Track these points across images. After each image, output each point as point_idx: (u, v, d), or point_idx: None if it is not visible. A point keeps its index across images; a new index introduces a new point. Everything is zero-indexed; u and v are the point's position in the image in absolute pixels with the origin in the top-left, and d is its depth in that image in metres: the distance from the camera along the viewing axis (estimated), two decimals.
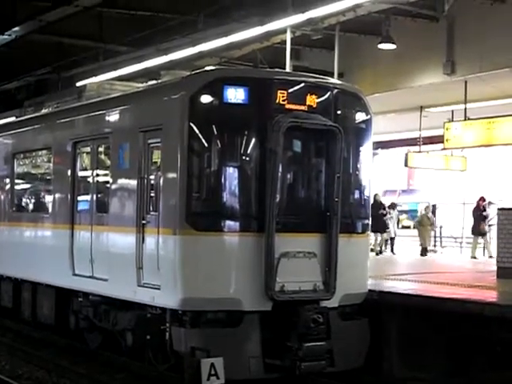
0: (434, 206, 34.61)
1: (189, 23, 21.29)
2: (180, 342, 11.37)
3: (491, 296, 13.49)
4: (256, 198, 11.61)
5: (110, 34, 23.30)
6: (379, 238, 27.54)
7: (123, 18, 22.52)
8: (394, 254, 28.31)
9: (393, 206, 29.89)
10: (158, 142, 12.14)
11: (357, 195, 12.91)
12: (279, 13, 18.59)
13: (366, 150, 12.96)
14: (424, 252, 27.61)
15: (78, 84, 22.55)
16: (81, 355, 14.51)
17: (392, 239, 28.96)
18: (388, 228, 28.13)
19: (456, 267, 21.08)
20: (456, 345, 12.11)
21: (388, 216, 28.17)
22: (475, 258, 25.74)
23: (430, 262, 25.18)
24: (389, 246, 28.72)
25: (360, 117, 12.83)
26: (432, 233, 29.94)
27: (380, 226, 26.93)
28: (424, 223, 28.45)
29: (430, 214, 29.57)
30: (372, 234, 29.06)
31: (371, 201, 13.74)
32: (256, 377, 11.40)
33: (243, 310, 11.41)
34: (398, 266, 22.82)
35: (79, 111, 15.01)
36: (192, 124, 11.44)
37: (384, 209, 27.74)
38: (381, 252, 27.35)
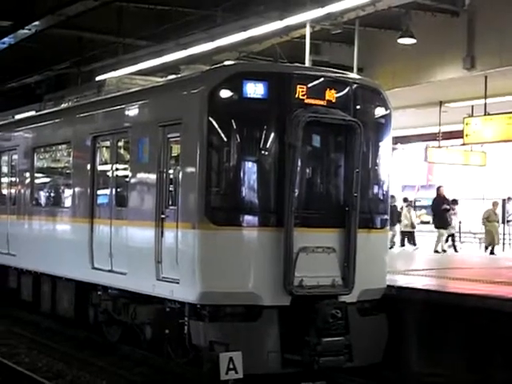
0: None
1: (208, 18, 21.31)
2: (199, 336, 11.39)
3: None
4: (275, 192, 11.60)
5: (129, 29, 23.33)
6: (445, 235, 25.89)
7: (142, 13, 22.54)
8: (456, 251, 27.10)
9: (455, 201, 28.12)
10: (177, 137, 12.17)
11: (376, 190, 12.88)
12: (298, 7, 18.57)
13: (385, 145, 12.93)
14: (492, 250, 26.03)
15: (98, 78, 22.61)
16: (100, 349, 14.58)
17: (452, 236, 27.50)
18: (451, 224, 26.63)
19: None
20: (475, 341, 12.07)
21: (451, 212, 26.61)
22: None
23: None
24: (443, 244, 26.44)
25: (379, 112, 12.79)
26: (500, 229, 28.30)
27: (443, 222, 25.60)
28: (491, 219, 26.89)
29: (498, 211, 27.92)
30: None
31: (390, 194, 13.63)
32: (274, 371, 11.41)
33: (262, 304, 11.42)
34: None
35: (99, 105, 15.05)
36: (211, 118, 11.45)
37: (448, 204, 26.25)
38: (444, 250, 25.60)
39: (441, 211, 25.78)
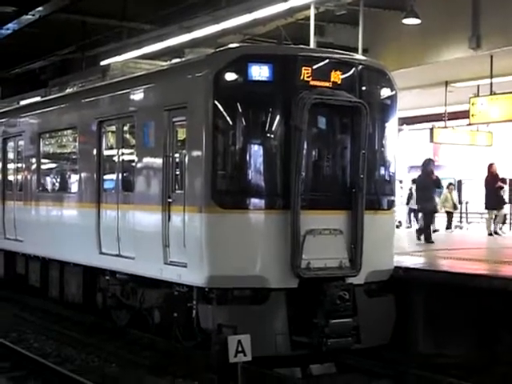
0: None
1: (212, 0, 21.22)
2: (207, 320, 11.43)
3: None
4: (281, 175, 11.61)
5: (133, 13, 23.27)
6: (495, 216, 24.29)
7: None
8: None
9: (504, 180, 25.73)
10: (182, 120, 12.16)
11: (382, 171, 12.88)
12: None
13: (391, 125, 12.91)
14: None
15: (102, 63, 22.56)
16: (108, 333, 14.61)
17: (504, 216, 25.79)
18: (505, 203, 25.10)
19: None
20: (482, 321, 12.07)
21: (502, 191, 24.81)
22: None
23: None
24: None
25: (385, 93, 12.76)
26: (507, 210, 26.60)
27: (496, 202, 24.00)
28: None
29: None
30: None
31: (396, 176, 13.56)
32: (283, 354, 11.45)
33: (269, 287, 11.45)
34: None
35: (104, 90, 15.03)
36: (217, 102, 11.44)
37: (502, 181, 24.53)
38: (496, 232, 24.04)
39: (495, 190, 24.05)
